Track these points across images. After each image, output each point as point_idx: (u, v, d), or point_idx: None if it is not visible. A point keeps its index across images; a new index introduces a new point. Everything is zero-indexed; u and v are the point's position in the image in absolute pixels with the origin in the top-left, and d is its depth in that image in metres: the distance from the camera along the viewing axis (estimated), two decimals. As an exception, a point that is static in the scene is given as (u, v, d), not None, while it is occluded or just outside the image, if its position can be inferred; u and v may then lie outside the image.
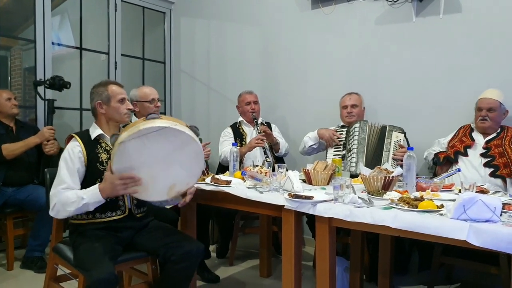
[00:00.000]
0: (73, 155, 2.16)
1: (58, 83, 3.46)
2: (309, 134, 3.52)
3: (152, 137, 1.97)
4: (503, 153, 2.83)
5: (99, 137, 2.27)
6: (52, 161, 3.33)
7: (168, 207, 3.01)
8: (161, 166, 2.06)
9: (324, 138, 3.40)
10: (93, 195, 2.05)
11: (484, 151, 2.90)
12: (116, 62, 4.59)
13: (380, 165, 3.04)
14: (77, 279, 2.10)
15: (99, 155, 2.22)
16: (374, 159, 3.10)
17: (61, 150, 3.05)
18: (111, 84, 2.33)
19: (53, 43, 4.08)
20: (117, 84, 2.36)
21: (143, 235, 2.30)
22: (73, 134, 2.25)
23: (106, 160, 2.22)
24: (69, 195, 2.07)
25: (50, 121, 3.47)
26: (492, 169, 2.82)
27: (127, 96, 2.35)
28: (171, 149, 2.04)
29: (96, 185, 2.08)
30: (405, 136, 3.21)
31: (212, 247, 3.78)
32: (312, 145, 3.49)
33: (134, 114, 3.29)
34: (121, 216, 2.25)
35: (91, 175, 2.18)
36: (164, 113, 5.06)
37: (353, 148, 3.15)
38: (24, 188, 3.38)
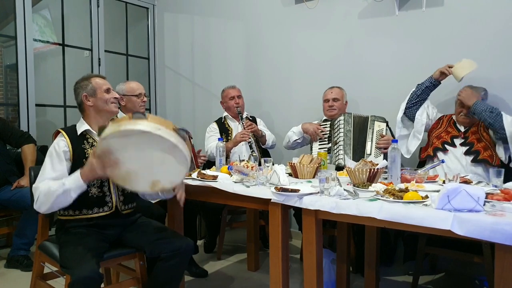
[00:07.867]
0: (58, 150, 2.15)
1: None
2: (293, 128, 3.56)
3: (134, 138, 1.90)
4: (480, 138, 2.89)
5: (85, 132, 2.25)
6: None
7: (154, 201, 3.01)
8: (144, 164, 1.97)
9: (309, 133, 3.43)
10: (74, 180, 2.02)
11: (463, 140, 2.95)
12: (99, 59, 4.54)
13: (364, 156, 3.09)
14: (64, 277, 2.08)
15: (85, 150, 2.20)
16: (358, 150, 3.14)
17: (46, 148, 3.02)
18: (94, 77, 2.32)
19: (34, 40, 4.02)
20: (100, 76, 2.35)
21: (131, 231, 2.29)
22: (60, 130, 2.23)
23: None
24: (51, 184, 2.04)
25: None
26: (473, 156, 2.86)
27: (111, 87, 2.33)
28: (154, 152, 1.94)
29: (78, 170, 2.05)
30: (387, 125, 3.25)
31: (199, 242, 3.78)
32: (297, 139, 3.52)
33: (120, 109, 3.26)
34: (108, 213, 2.23)
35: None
36: (149, 110, 5.03)
37: (339, 141, 3.18)
38: (7, 187, 3.30)
